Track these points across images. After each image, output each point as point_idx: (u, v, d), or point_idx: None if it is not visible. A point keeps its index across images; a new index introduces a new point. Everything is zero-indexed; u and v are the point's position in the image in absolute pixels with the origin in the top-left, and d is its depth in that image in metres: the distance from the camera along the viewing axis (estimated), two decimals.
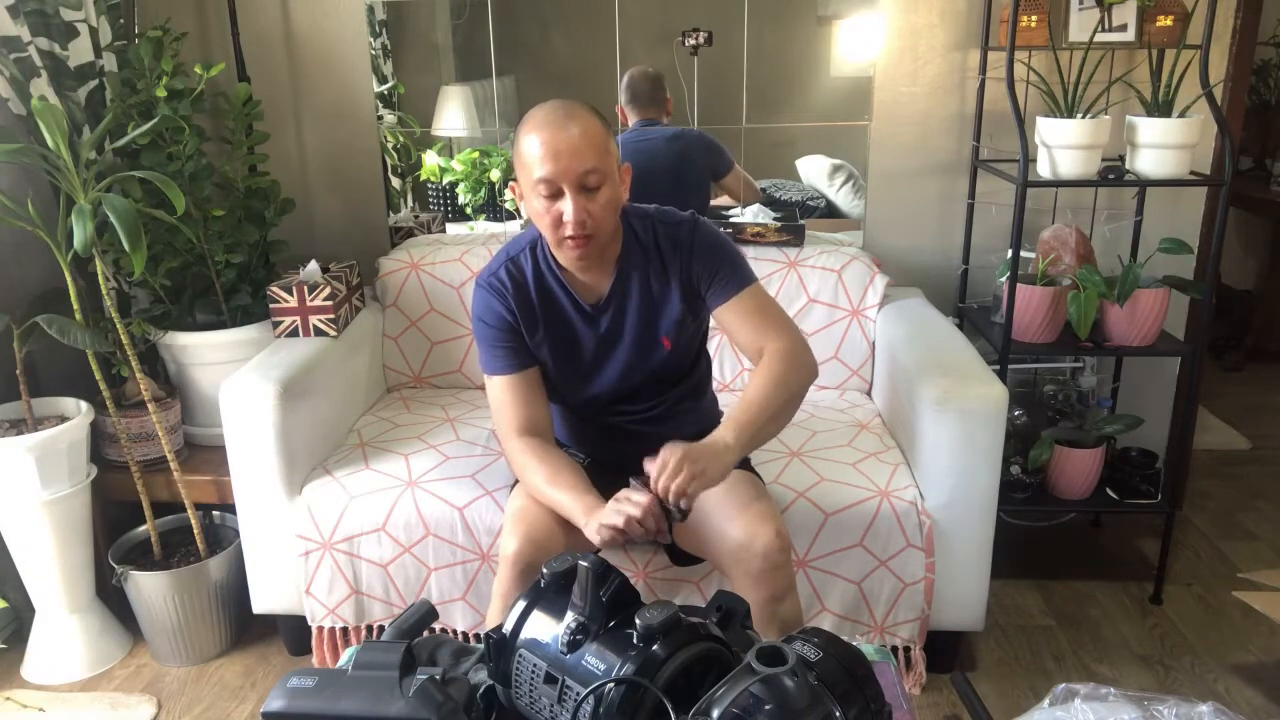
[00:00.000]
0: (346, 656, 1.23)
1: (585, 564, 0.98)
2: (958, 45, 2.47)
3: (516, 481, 1.72)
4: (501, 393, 1.64)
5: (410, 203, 2.92)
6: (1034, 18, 2.20)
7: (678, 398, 1.76)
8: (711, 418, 1.88)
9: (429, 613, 1.10)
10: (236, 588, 2.23)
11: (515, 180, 1.56)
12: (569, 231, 1.49)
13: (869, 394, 2.43)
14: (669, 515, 1.38)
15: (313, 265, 2.35)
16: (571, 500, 1.50)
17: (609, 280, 1.62)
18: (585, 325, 1.65)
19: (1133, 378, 2.62)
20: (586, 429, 1.80)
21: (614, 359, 1.67)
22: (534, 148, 1.46)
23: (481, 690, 1.04)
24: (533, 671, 0.98)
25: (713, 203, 2.73)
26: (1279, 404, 3.67)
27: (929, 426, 1.93)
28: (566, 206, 1.47)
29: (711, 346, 2.41)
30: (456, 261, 2.47)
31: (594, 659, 0.95)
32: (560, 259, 1.61)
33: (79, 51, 2.20)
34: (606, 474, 1.78)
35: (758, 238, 2.44)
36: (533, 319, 1.63)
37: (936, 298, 2.51)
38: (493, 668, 1.03)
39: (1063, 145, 2.13)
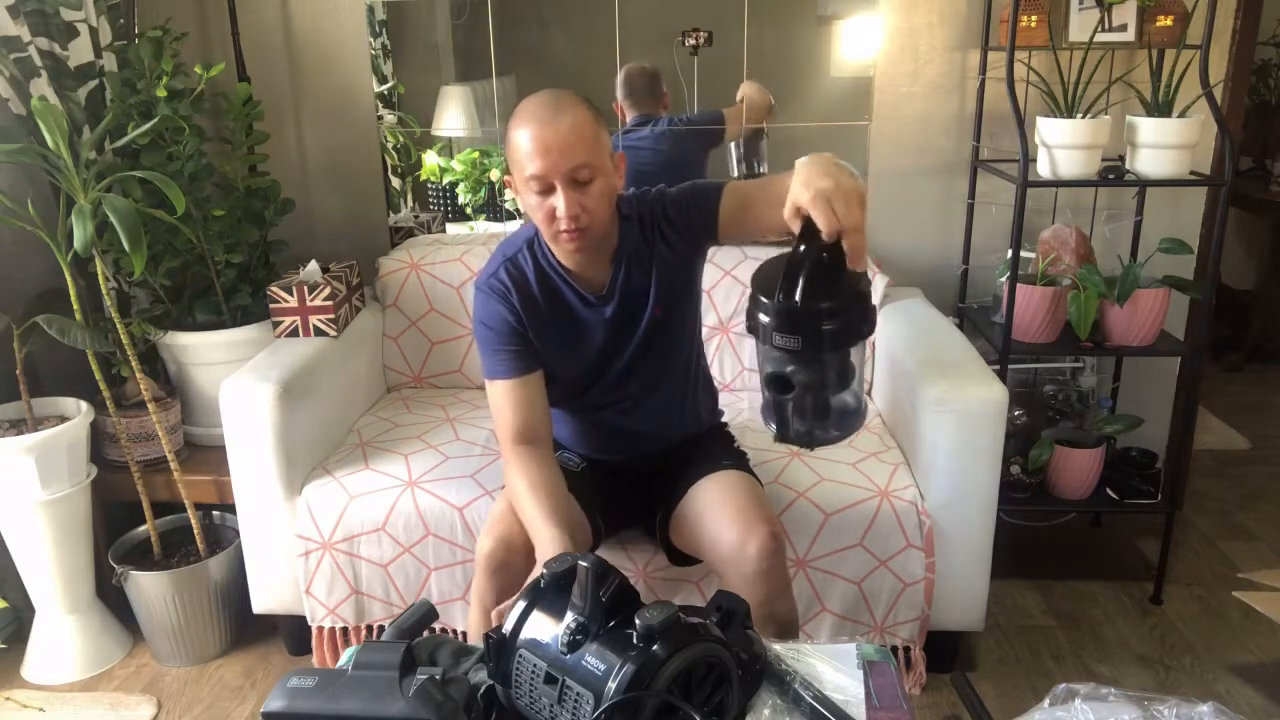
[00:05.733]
0: (346, 656, 1.23)
1: (585, 564, 0.98)
2: (958, 45, 2.47)
3: None
4: (502, 398, 1.62)
5: (410, 203, 2.92)
6: (1034, 18, 2.20)
7: (676, 386, 1.75)
8: (713, 416, 1.88)
9: (429, 613, 1.10)
10: (236, 588, 2.23)
11: (509, 174, 1.54)
12: (563, 226, 1.47)
13: (869, 394, 2.42)
14: None
15: (313, 265, 2.35)
16: (537, 527, 1.48)
17: (609, 269, 1.61)
18: (592, 316, 1.64)
19: (1133, 378, 2.62)
20: (587, 428, 1.79)
21: (628, 346, 1.66)
22: (524, 143, 1.45)
23: (481, 690, 1.04)
24: (533, 672, 0.98)
25: None
26: (1279, 404, 3.67)
27: (929, 426, 1.93)
28: (559, 201, 1.45)
29: (710, 349, 2.43)
30: (456, 261, 2.47)
31: (594, 659, 0.95)
32: (557, 253, 1.60)
33: (79, 51, 2.19)
34: (603, 475, 1.78)
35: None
36: (538, 317, 1.62)
37: (936, 298, 2.50)
38: (493, 668, 1.03)
39: (1063, 145, 2.13)
